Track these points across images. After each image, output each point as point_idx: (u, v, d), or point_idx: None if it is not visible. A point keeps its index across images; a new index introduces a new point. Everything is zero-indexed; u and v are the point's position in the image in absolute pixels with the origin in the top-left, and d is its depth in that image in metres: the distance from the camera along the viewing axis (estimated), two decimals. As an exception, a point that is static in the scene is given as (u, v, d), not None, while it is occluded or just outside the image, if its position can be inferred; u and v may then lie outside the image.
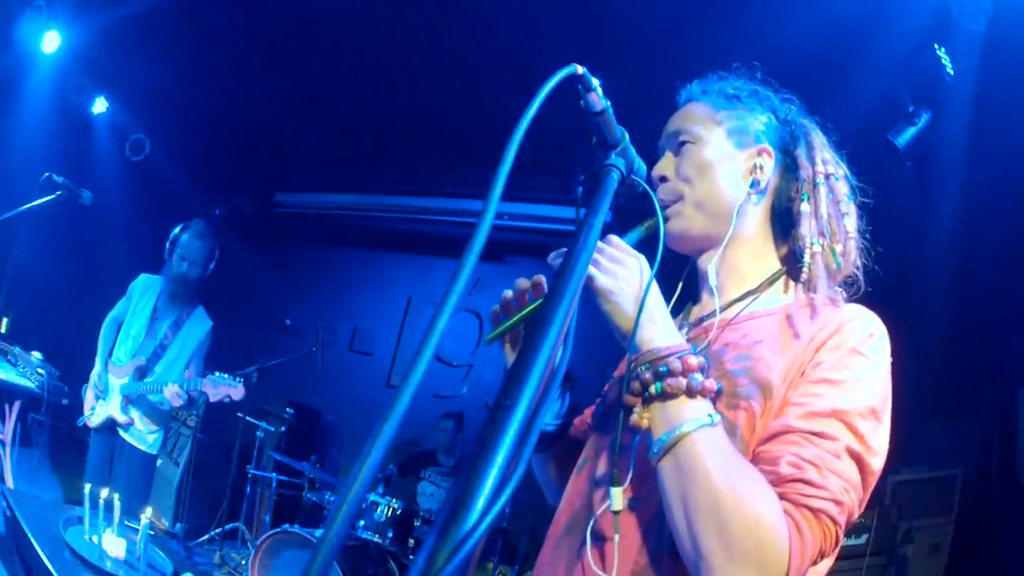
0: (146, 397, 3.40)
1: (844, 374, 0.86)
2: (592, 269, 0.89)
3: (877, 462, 0.85)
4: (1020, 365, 3.42)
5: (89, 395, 3.52)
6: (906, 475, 3.55)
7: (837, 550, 0.89)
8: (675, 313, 1.12)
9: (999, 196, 3.15)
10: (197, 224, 3.50)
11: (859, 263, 1.01)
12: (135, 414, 3.43)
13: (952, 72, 2.92)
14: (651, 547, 0.89)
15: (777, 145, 1.06)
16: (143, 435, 3.45)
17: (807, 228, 1.00)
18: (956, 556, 3.39)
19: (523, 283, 1.00)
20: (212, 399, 3.31)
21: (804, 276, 0.98)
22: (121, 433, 3.42)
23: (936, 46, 2.91)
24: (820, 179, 1.02)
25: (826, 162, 1.03)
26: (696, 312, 1.10)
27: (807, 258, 0.99)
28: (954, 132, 3.02)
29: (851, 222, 1.01)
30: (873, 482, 0.86)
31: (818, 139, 1.06)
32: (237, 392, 3.31)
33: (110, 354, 3.53)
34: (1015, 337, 3.30)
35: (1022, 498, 3.34)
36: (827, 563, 0.89)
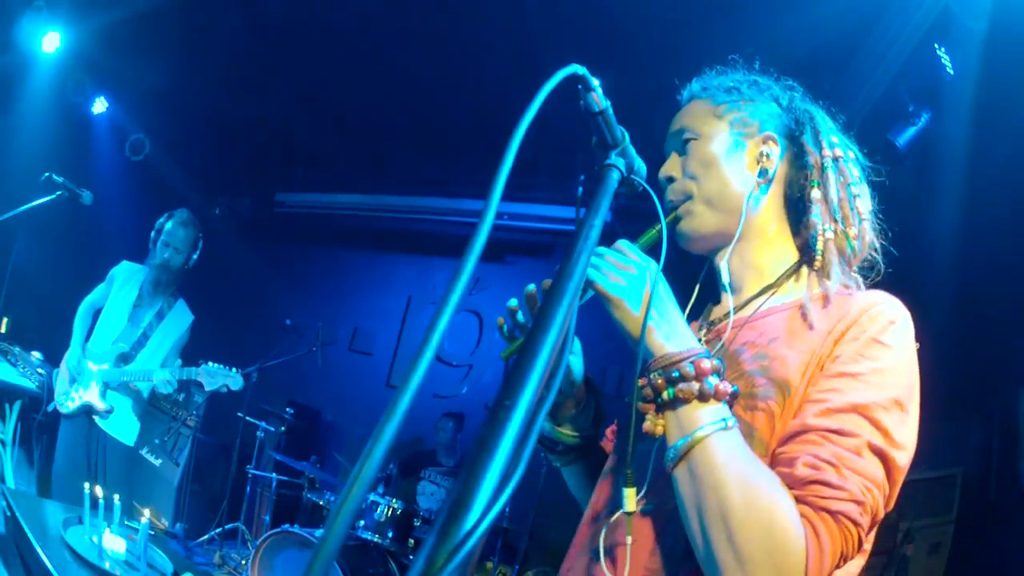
0: (127, 385, 3.36)
1: (864, 366, 0.83)
2: (599, 277, 0.88)
3: (903, 457, 0.81)
4: (1020, 365, 3.41)
5: (63, 379, 3.41)
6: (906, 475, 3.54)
7: (867, 549, 0.87)
8: (695, 315, 1.11)
9: (999, 196, 3.14)
10: (182, 213, 3.53)
11: (876, 245, 0.98)
12: (114, 402, 3.36)
13: (952, 72, 2.92)
14: (664, 551, 0.88)
15: (782, 132, 1.04)
16: (122, 424, 3.39)
17: (818, 214, 0.97)
18: (956, 556, 3.39)
19: (532, 291, 0.99)
20: (207, 388, 3.32)
21: (817, 264, 0.96)
22: (98, 423, 3.33)
23: (936, 46, 2.90)
24: (828, 162, 0.99)
25: (834, 145, 1.00)
26: (716, 312, 1.08)
27: (819, 245, 0.96)
28: (954, 132, 3.02)
29: (864, 204, 0.98)
30: (900, 478, 0.82)
31: (824, 123, 1.04)
32: (234, 381, 3.35)
33: (87, 339, 3.47)
34: (1015, 337, 3.30)
35: (1022, 498, 3.34)
36: (858, 563, 0.87)
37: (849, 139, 1.04)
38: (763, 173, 1.01)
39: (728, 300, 1.02)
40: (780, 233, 1.03)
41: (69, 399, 3.32)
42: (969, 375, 3.49)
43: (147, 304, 3.48)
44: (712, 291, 1.10)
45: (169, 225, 3.47)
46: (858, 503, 0.77)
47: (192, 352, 3.65)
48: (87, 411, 3.31)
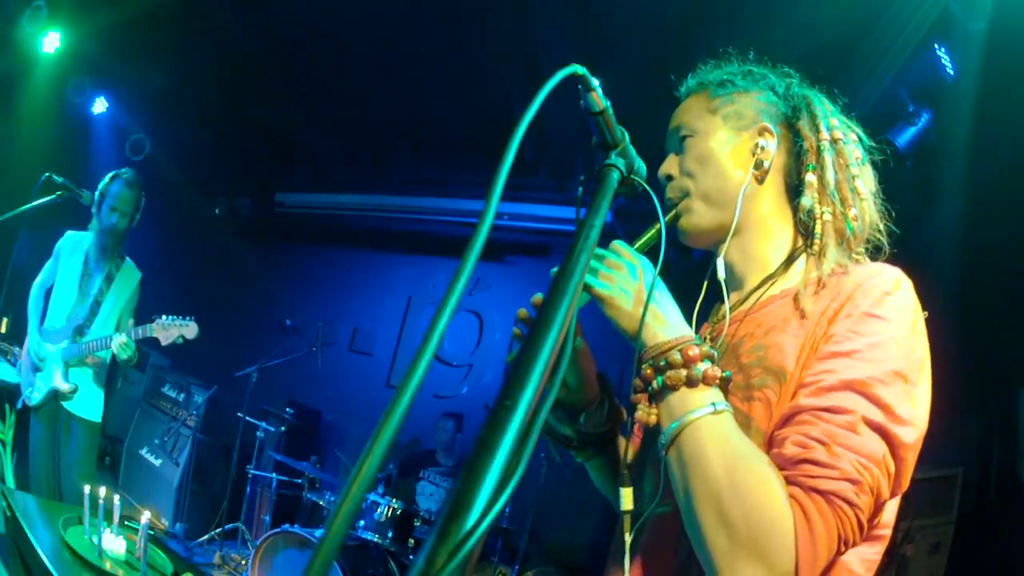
0: (86, 358, 3.28)
1: (858, 342, 0.80)
2: (589, 278, 0.89)
3: (909, 432, 0.77)
4: (1020, 365, 3.41)
5: (26, 371, 3.33)
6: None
7: (883, 535, 0.84)
8: (704, 312, 1.10)
9: (999, 196, 3.15)
10: (126, 173, 3.41)
11: (879, 225, 0.96)
12: (77, 379, 3.29)
13: (952, 72, 2.92)
14: (683, 552, 0.87)
15: (778, 121, 1.03)
16: (86, 402, 3.31)
17: (811, 198, 0.96)
18: (956, 556, 3.39)
19: (539, 299, 1.00)
20: (164, 343, 3.21)
21: (815, 248, 0.94)
22: (64, 405, 3.26)
23: (936, 46, 2.90)
24: (824, 145, 0.97)
25: (832, 128, 0.99)
26: (722, 309, 1.07)
27: (817, 229, 0.94)
28: (954, 132, 3.02)
29: (864, 184, 0.96)
30: (909, 455, 0.77)
31: (821, 106, 1.02)
32: (190, 330, 3.23)
33: (42, 322, 3.39)
34: (1015, 337, 3.30)
35: (1022, 498, 3.34)
36: (874, 549, 0.84)
37: (851, 120, 1.03)
38: (759, 165, 1.01)
39: (725, 294, 1.02)
40: (781, 222, 1.02)
41: (35, 390, 3.27)
42: (969, 375, 3.48)
43: (94, 271, 3.40)
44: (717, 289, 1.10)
45: (115, 187, 3.35)
46: (852, 482, 0.73)
47: (192, 352, 3.63)
48: (53, 396, 3.26)
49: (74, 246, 3.45)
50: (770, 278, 0.99)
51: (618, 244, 0.94)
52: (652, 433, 0.93)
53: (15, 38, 4.77)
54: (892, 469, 0.77)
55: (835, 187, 0.95)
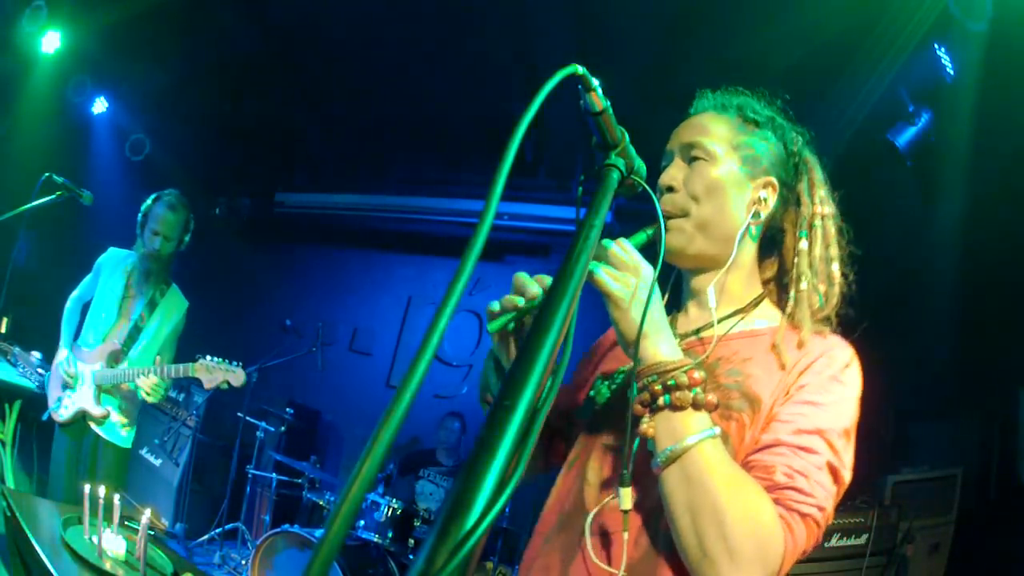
0: (120, 385, 3.06)
1: (826, 397, 0.95)
2: (607, 274, 0.91)
3: (847, 475, 0.94)
4: (1020, 365, 3.41)
5: (55, 385, 3.13)
6: (906, 475, 3.54)
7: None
8: None
9: (999, 196, 3.15)
10: (170, 195, 3.21)
11: (838, 307, 1.05)
12: (110, 405, 3.08)
13: (952, 72, 2.93)
14: (645, 544, 0.94)
15: (780, 177, 1.09)
16: (117, 428, 3.10)
17: (804, 266, 1.05)
18: (956, 556, 3.39)
19: (522, 280, 0.99)
20: (206, 385, 2.96)
21: (789, 309, 1.04)
22: (93, 427, 3.06)
23: (936, 46, 2.91)
24: (817, 220, 1.07)
25: (823, 201, 1.08)
26: (683, 324, 1.13)
27: (793, 293, 1.05)
28: (954, 132, 3.02)
29: (838, 267, 1.06)
30: (842, 493, 0.95)
31: (818, 175, 1.10)
32: (236, 377, 2.99)
33: (76, 337, 3.20)
34: (1015, 337, 3.30)
35: (1022, 498, 3.34)
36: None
37: (833, 198, 1.10)
38: (756, 215, 1.07)
39: (713, 318, 1.06)
40: (753, 266, 1.12)
41: (63, 407, 3.08)
42: (969, 375, 3.49)
43: (137, 294, 3.19)
44: (672, 301, 1.15)
45: (158, 209, 3.14)
46: (820, 508, 0.89)
47: (192, 352, 3.60)
48: (82, 417, 3.07)
49: (116, 264, 3.24)
50: (740, 312, 1.09)
51: (626, 243, 0.95)
52: (599, 424, 1.05)
53: (15, 38, 4.77)
54: (835, 502, 0.93)
55: (817, 262, 1.05)
